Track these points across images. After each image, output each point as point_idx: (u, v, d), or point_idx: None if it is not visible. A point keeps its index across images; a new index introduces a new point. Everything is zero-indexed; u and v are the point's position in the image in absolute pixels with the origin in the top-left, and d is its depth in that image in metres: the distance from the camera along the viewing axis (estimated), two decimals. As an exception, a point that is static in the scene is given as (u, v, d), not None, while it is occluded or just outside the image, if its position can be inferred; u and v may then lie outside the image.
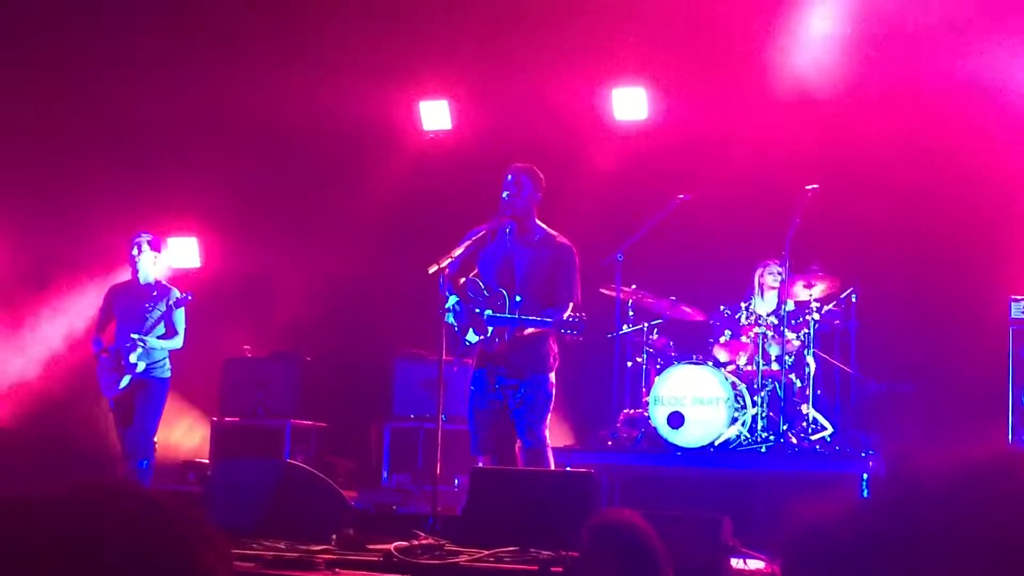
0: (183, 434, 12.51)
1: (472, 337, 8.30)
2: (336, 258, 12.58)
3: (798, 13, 11.66)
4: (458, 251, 8.30)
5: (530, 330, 8.12)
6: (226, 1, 12.54)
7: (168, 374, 10.46)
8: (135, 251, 10.48)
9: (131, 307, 10.44)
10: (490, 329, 8.21)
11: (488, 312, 8.22)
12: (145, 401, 10.33)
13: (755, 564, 7.01)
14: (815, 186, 10.53)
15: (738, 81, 11.93)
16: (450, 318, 8.36)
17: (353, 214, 12.76)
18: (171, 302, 10.40)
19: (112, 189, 12.51)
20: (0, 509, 1.88)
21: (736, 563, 6.92)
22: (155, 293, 10.45)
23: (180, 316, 10.47)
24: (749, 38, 11.75)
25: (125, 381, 10.25)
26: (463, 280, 8.45)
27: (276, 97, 12.49)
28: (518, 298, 8.20)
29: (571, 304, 8.16)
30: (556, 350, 8.40)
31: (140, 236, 10.54)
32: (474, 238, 8.42)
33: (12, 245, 13.08)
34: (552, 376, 8.33)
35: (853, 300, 10.62)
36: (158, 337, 10.37)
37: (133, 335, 10.26)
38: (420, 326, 9.96)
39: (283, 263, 12.61)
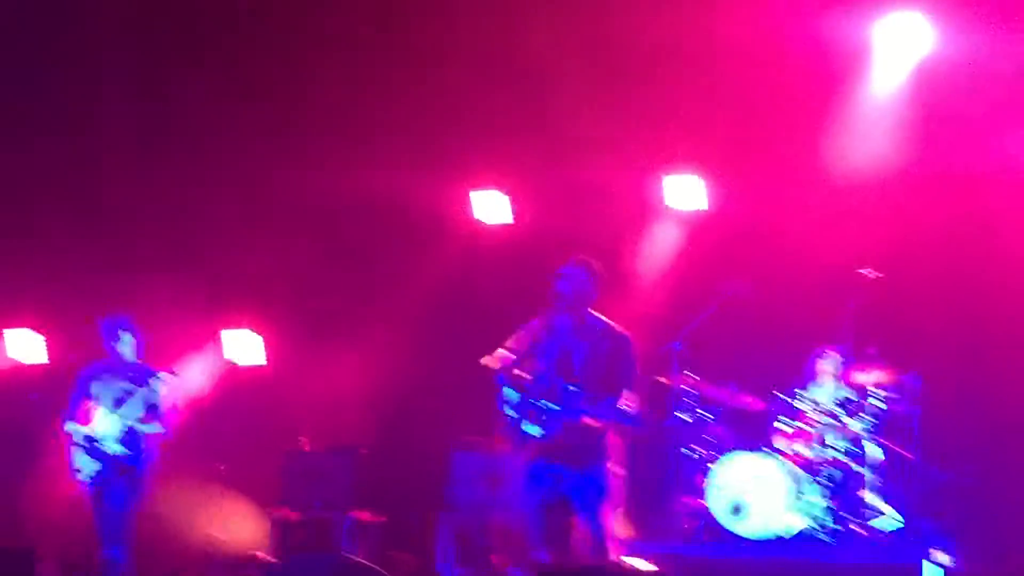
0: (243, 528, 12.49)
1: (530, 428, 8.28)
2: (393, 349, 12.61)
3: (851, 100, 11.69)
4: (513, 343, 8.31)
5: (588, 420, 8.09)
6: (284, 88, 12.68)
7: (151, 460, 10.18)
8: (114, 332, 10.29)
9: (109, 389, 10.22)
10: (548, 420, 8.18)
11: (545, 403, 8.20)
12: (124, 488, 10.07)
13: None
14: (872, 271, 10.49)
15: (792, 167, 11.92)
16: (508, 409, 8.34)
17: (410, 304, 12.79)
18: (151, 384, 10.15)
19: (169, 284, 12.58)
20: None
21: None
22: (133, 374, 10.22)
23: (161, 398, 10.19)
24: (802, 125, 11.77)
25: (99, 467, 10.05)
26: (521, 372, 8.43)
27: (334, 189, 12.58)
28: (576, 388, 8.18)
29: (629, 394, 8.12)
30: (615, 440, 8.35)
31: (117, 317, 10.37)
32: (530, 329, 8.42)
33: (64, 337, 13.14)
34: (611, 466, 8.28)
35: (914, 386, 10.50)
36: (138, 420, 10.12)
37: (109, 418, 10.07)
38: (478, 417, 9.95)
39: (340, 355, 12.63)
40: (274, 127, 12.74)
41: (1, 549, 9.10)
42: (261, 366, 12.97)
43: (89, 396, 10.29)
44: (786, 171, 11.95)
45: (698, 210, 12.33)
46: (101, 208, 13.01)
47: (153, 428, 10.21)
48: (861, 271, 10.47)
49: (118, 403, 10.14)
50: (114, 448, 10.06)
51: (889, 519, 10.25)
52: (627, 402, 8.09)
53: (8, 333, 13.41)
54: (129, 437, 10.10)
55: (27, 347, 13.40)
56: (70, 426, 10.24)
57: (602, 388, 8.22)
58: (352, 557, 9.01)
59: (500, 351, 8.26)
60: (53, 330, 13.34)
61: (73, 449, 10.21)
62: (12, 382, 13.19)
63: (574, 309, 8.44)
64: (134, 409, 10.14)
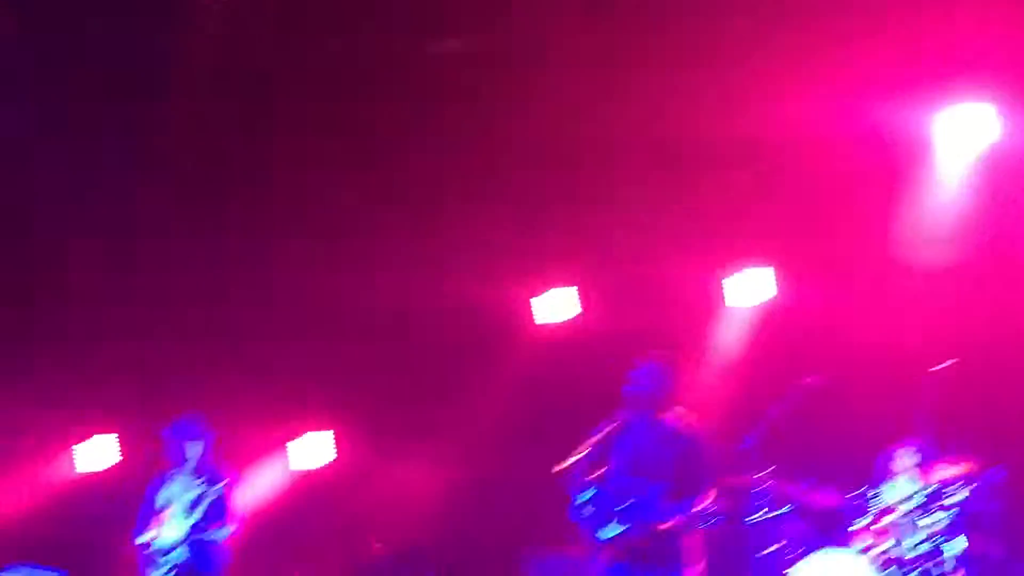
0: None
1: (609, 531, 8.19)
2: (465, 452, 12.56)
3: (918, 190, 11.62)
4: (588, 446, 8.26)
5: (669, 522, 8.01)
6: (351, 195, 12.68)
7: (220, 566, 10.05)
8: (184, 435, 10.25)
9: (179, 495, 10.17)
10: (624, 523, 8.10)
11: (625, 505, 8.12)
12: None
13: None
14: (949, 362, 10.33)
15: (861, 258, 11.85)
16: (584, 513, 8.26)
17: (481, 407, 12.77)
18: (221, 488, 10.07)
19: (241, 386, 12.59)
20: None
21: None
22: (203, 479, 10.17)
23: (231, 502, 10.10)
24: (870, 216, 11.70)
25: None
26: (598, 473, 8.36)
27: (403, 292, 12.59)
28: (651, 489, 8.11)
29: (708, 492, 8.04)
30: (692, 540, 8.25)
31: (187, 421, 10.34)
32: (603, 430, 8.37)
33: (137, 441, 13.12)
34: (694, 569, 8.18)
35: (996, 479, 10.30)
36: (205, 526, 10.03)
37: (179, 525, 9.99)
38: (552, 520, 9.86)
39: (411, 458, 12.59)
40: (343, 234, 12.76)
41: None
42: (332, 468, 12.93)
43: (160, 504, 10.26)
44: (855, 263, 11.89)
45: (767, 304, 12.26)
46: (170, 309, 13.05)
47: (222, 533, 10.13)
48: (940, 364, 10.30)
49: (188, 510, 10.09)
50: (183, 556, 10.01)
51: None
52: (703, 501, 8.01)
53: (78, 448, 13.45)
54: (198, 544, 10.02)
55: (98, 456, 13.42)
56: (141, 537, 10.20)
57: (678, 488, 8.14)
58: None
59: (573, 456, 8.20)
60: (125, 433, 13.35)
61: (144, 560, 10.16)
62: (84, 494, 13.20)
63: (647, 409, 8.39)
64: (203, 515, 10.09)
